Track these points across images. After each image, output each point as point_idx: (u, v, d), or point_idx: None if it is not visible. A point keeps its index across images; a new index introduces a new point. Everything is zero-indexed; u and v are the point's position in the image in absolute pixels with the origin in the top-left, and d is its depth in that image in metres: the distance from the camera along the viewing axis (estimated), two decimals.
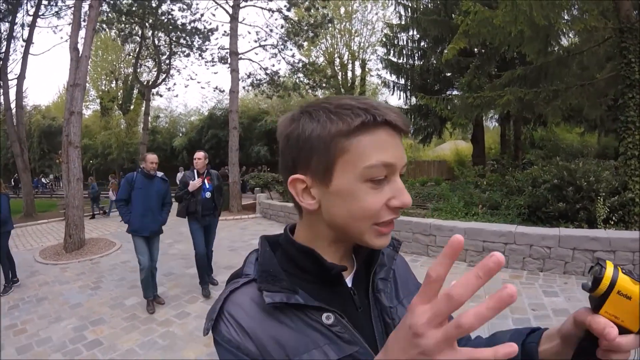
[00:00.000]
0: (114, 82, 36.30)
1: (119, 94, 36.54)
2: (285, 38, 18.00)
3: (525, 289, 5.08)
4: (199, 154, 5.59)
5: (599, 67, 10.62)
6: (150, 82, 24.18)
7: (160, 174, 5.32)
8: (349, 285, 0.73)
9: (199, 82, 37.29)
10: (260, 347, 0.61)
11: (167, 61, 22.30)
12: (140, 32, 20.58)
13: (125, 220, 5.04)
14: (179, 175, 13.05)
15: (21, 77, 16.55)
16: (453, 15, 14.43)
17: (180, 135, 33.88)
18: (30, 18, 16.96)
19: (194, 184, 5.37)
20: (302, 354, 0.61)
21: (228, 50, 16.34)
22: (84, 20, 11.41)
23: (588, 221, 7.03)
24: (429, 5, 18.35)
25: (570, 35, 11.12)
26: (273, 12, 17.53)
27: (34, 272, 7.36)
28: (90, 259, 8.13)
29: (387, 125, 0.62)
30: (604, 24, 8.26)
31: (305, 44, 19.78)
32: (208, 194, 5.51)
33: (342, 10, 25.12)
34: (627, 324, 0.50)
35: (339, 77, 25.83)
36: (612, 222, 6.85)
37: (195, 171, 5.53)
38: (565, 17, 8.58)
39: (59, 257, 8.42)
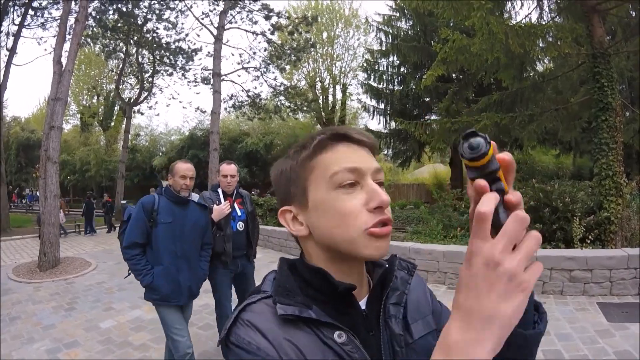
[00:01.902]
0: (96, 97, 35.73)
1: (100, 110, 35.95)
2: (268, 61, 18.25)
3: None
4: (229, 168, 3.69)
5: (573, 91, 11.03)
6: (132, 100, 24.10)
7: (195, 196, 3.64)
8: (363, 307, 0.73)
9: (180, 102, 37.09)
10: (279, 347, 0.61)
11: (150, 79, 22.30)
12: (124, 49, 20.67)
13: (146, 282, 3.01)
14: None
15: (2, 87, 16.34)
16: (432, 42, 14.86)
17: (160, 154, 33.37)
18: (16, 27, 16.85)
19: (221, 209, 3.49)
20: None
21: (211, 71, 16.46)
22: (69, 34, 11.42)
23: (565, 241, 7.20)
24: (409, 32, 18.90)
25: (545, 61, 11.53)
26: (257, 35, 17.79)
27: (7, 290, 7.16)
28: (64, 279, 7.93)
29: (346, 139, 0.70)
30: (578, 50, 8.61)
31: (288, 67, 20.04)
32: (241, 225, 3.69)
33: (325, 35, 25.52)
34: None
35: (320, 101, 26.00)
36: (589, 241, 7.01)
37: (220, 192, 3.71)
38: (540, 44, 8.88)
39: (32, 276, 8.23)
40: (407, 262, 0.81)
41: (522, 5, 10.94)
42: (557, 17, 10.45)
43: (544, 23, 9.55)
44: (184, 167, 3.12)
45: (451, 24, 11.88)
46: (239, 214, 3.70)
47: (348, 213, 0.64)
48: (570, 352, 3.89)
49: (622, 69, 14.72)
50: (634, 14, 10.02)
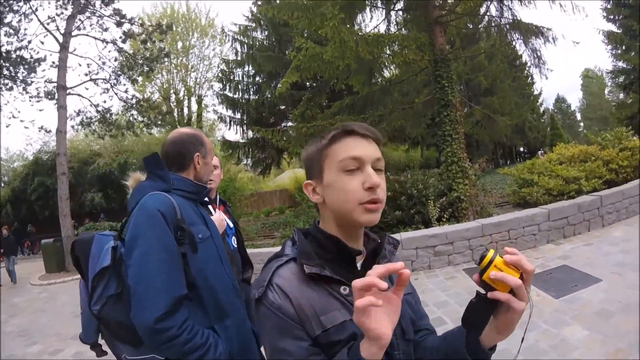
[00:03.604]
0: None
1: None
2: (119, 72, 16.74)
3: None
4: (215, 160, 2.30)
5: (417, 92, 12.46)
6: None
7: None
8: (359, 268, 0.95)
9: (22, 121, 31.78)
10: (298, 308, 0.84)
11: None
12: None
13: (222, 356, 1.48)
14: None
15: None
16: (287, 51, 15.33)
17: (2, 185, 28.61)
18: None
19: (220, 220, 2.16)
20: (327, 313, 0.85)
21: (56, 84, 14.52)
22: None
23: (424, 222, 8.16)
24: (265, 42, 19.25)
25: (392, 67, 12.76)
26: (107, 43, 16.22)
27: None
28: None
29: (354, 134, 0.90)
30: (421, 57, 9.72)
31: (140, 78, 18.79)
32: (234, 241, 2.45)
33: (180, 45, 24.64)
34: (499, 288, 0.76)
35: (175, 114, 24.91)
36: (445, 220, 8.03)
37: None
38: (388, 52, 9.82)
39: None
40: (393, 239, 1.05)
41: (372, 17, 11.94)
42: (403, 28, 11.70)
43: (391, 33, 10.60)
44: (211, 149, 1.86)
45: (305, 34, 12.44)
46: (231, 225, 2.48)
47: (350, 190, 0.87)
48: (450, 316, 4.36)
49: (460, 73, 17.14)
50: (471, 26, 11.66)
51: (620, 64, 24.57)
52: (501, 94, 20.45)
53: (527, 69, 32.63)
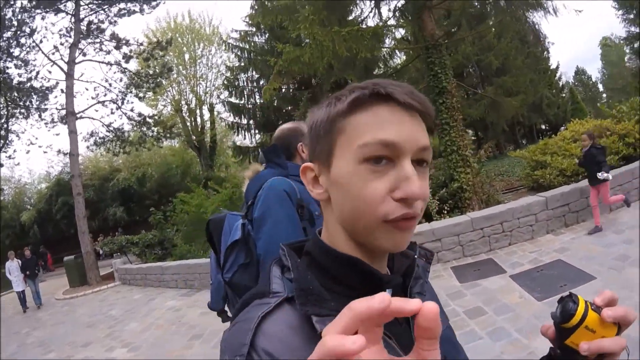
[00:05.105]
0: None
1: None
2: (125, 91, 17.27)
3: None
4: None
5: (417, 82, 12.16)
6: None
7: None
8: None
9: (40, 147, 33.14)
10: None
11: (5, 125, 19.39)
12: None
13: None
14: (11, 265, 10.90)
15: None
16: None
17: (29, 207, 29.70)
18: None
19: None
20: None
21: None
22: None
23: (425, 216, 7.84)
24: (265, 46, 19.33)
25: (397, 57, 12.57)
26: (111, 65, 16.82)
27: None
28: None
29: (390, 100, 0.55)
30: (407, 44, 9.49)
31: (149, 94, 19.26)
32: None
33: (187, 56, 24.95)
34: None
35: (189, 124, 25.33)
36: (446, 212, 7.75)
37: None
38: (387, 44, 9.62)
39: None
40: (425, 249, 0.75)
41: (362, 11, 11.72)
42: (391, 18, 11.44)
43: (371, 26, 10.37)
44: None
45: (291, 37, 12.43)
46: None
47: (368, 197, 0.53)
48: None
49: (469, 54, 16.76)
50: (478, 5, 11.29)
51: (633, 29, 23.51)
52: (515, 72, 19.80)
53: (542, 42, 31.58)
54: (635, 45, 24.40)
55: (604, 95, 54.82)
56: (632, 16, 23.23)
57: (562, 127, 26.64)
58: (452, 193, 8.26)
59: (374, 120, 0.54)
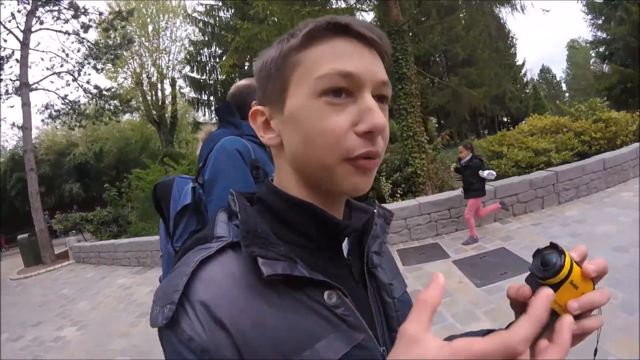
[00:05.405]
0: None
1: None
2: (83, 62, 16.59)
3: None
4: None
5: None
6: None
7: None
8: (345, 255, 0.59)
9: None
10: (243, 345, 0.43)
11: None
12: None
13: None
14: None
15: None
16: None
17: None
18: None
19: None
20: (304, 351, 0.45)
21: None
22: None
23: (378, 198, 7.97)
24: (230, 22, 18.89)
25: None
26: (69, 34, 16.08)
27: None
28: None
29: (348, 32, 0.51)
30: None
31: (109, 66, 18.58)
32: None
33: (151, 28, 24.07)
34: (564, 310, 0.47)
35: (149, 98, 24.55)
36: (399, 195, 7.87)
37: None
38: None
39: None
40: (384, 209, 0.70)
41: None
42: (358, 2, 11.32)
43: (341, 7, 10.26)
44: None
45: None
46: None
47: (329, 132, 0.48)
48: None
49: (436, 43, 16.92)
50: None
51: (600, 34, 24.55)
52: (480, 64, 20.21)
53: (509, 39, 32.29)
54: (601, 49, 25.44)
55: (567, 94, 57.03)
56: (600, 21, 24.13)
57: (523, 122, 27.46)
58: (407, 177, 8.37)
59: (332, 52, 0.50)
